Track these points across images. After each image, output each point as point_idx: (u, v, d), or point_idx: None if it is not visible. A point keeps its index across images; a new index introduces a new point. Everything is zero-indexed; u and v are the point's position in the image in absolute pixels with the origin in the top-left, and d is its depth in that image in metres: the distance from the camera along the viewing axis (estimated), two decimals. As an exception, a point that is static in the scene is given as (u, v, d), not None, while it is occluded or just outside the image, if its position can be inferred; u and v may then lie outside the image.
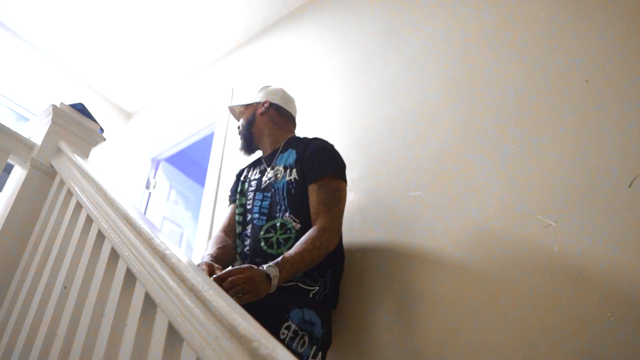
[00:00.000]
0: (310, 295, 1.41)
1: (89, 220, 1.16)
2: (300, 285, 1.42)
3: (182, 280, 0.76)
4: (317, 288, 1.44)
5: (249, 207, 1.62)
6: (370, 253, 1.76)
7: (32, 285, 1.21)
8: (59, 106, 1.61)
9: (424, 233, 1.67)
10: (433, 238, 1.63)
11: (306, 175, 1.53)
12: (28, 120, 3.48)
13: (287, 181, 1.55)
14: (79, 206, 1.24)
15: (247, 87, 3.04)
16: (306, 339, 1.31)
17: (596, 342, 1.22)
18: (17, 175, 1.52)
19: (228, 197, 1.84)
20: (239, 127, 1.81)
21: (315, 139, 1.65)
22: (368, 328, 1.60)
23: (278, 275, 1.21)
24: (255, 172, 1.72)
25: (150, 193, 3.51)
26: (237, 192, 1.74)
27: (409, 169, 1.85)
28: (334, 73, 2.51)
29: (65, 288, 1.07)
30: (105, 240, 1.02)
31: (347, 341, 1.63)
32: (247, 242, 1.56)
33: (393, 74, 2.18)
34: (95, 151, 3.64)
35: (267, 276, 1.19)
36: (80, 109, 1.69)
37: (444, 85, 1.94)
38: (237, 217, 1.66)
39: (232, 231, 1.66)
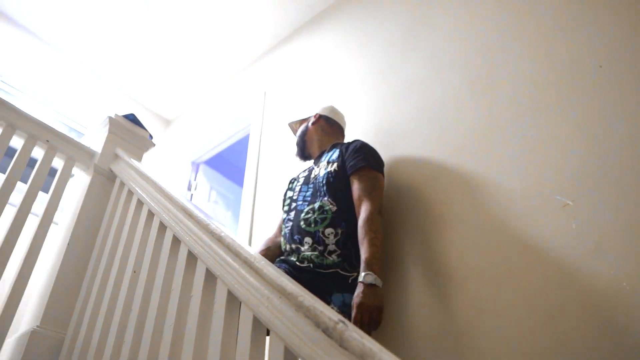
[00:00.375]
0: (350, 281, 1.55)
1: (151, 215, 1.34)
2: (340, 272, 1.56)
3: (237, 255, 0.91)
4: (356, 274, 1.57)
5: (294, 197, 1.83)
6: (399, 238, 1.88)
7: (105, 273, 1.40)
8: (114, 117, 1.81)
9: (448, 219, 1.77)
10: (459, 222, 1.74)
11: (347, 168, 1.72)
12: (77, 131, 3.76)
13: (327, 172, 1.74)
14: (140, 203, 1.43)
15: (279, 89, 3.18)
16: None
17: (613, 311, 1.31)
18: (82, 180, 1.73)
19: (282, 207, 2.02)
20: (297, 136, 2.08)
21: (357, 140, 1.86)
22: (402, 308, 1.73)
23: (374, 274, 1.40)
24: (305, 171, 1.94)
25: (192, 194, 3.73)
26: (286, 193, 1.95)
27: (431, 165, 1.93)
28: (359, 73, 2.61)
29: (135, 272, 1.25)
30: (167, 230, 1.19)
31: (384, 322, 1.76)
32: (289, 225, 1.74)
33: (414, 72, 2.26)
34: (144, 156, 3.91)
35: (370, 285, 1.37)
36: (132, 119, 1.88)
37: (464, 80, 2.02)
38: (284, 207, 1.86)
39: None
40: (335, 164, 1.76)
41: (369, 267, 1.43)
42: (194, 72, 3.88)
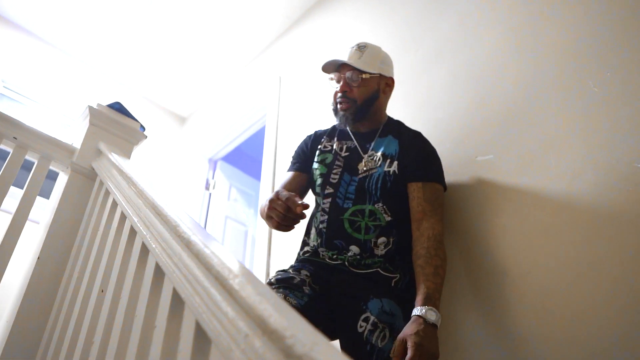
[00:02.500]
0: (392, 284, 1.26)
1: (123, 217, 1.06)
2: (381, 272, 1.27)
3: (207, 268, 0.62)
4: (399, 275, 1.28)
5: (333, 181, 1.43)
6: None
7: (75, 291, 1.15)
8: (96, 107, 1.55)
9: (498, 199, 1.45)
10: (509, 204, 1.42)
11: (410, 172, 1.38)
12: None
13: (385, 172, 1.38)
14: (115, 204, 1.16)
15: (294, 73, 2.92)
16: (387, 331, 1.14)
17: None
18: (61, 180, 1.48)
19: (291, 163, 1.61)
20: (346, 94, 1.45)
21: (421, 135, 1.50)
22: (450, 312, 1.42)
23: (439, 315, 1.12)
24: (341, 146, 1.51)
25: (210, 194, 3.49)
26: (313, 161, 1.54)
27: (475, 132, 1.63)
28: (381, 45, 2.31)
29: (103, 292, 0.98)
30: (137, 236, 0.91)
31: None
32: (325, 217, 1.39)
33: (445, 35, 1.96)
34: (150, 155, 3.71)
35: (432, 326, 1.09)
36: (117, 108, 1.62)
37: (505, 37, 1.71)
38: (317, 187, 1.47)
39: None
40: (395, 164, 1.39)
41: (432, 301, 1.13)
42: (206, 65, 3.67)
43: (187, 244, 0.70)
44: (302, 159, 1.58)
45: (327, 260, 1.31)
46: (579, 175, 1.30)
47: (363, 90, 1.45)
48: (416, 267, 1.23)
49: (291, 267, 1.35)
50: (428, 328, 1.06)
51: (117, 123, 1.57)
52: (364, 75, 1.44)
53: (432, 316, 1.08)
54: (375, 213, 1.34)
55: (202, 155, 3.66)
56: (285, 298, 1.17)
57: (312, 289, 1.25)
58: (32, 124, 1.48)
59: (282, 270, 1.33)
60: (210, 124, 3.72)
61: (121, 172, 1.18)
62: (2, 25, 3.28)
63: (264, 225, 2.47)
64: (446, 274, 1.27)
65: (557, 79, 1.48)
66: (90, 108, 1.53)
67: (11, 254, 1.27)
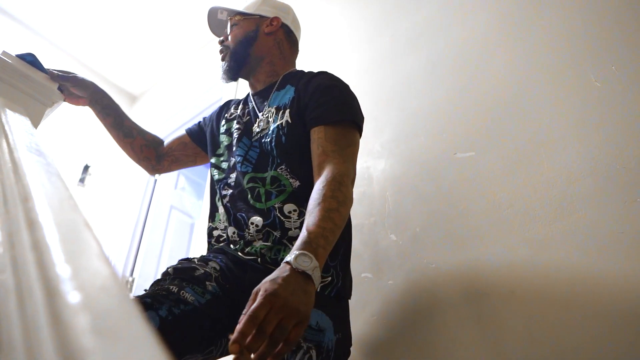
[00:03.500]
0: (319, 289, 0.95)
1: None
2: None
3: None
4: (330, 279, 0.99)
5: (234, 150, 1.18)
6: (412, 234, 1.34)
7: None
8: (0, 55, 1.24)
9: (481, 204, 1.24)
10: (492, 210, 1.21)
11: (308, 117, 1.08)
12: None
13: (278, 125, 1.11)
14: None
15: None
16: (313, 352, 0.86)
17: None
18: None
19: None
20: (224, 42, 1.31)
21: (323, 73, 1.19)
22: (417, 331, 1.19)
23: (317, 264, 0.76)
24: (244, 110, 1.27)
25: (155, 180, 3.16)
26: (214, 131, 1.33)
27: (455, 125, 1.42)
28: (352, 28, 2.09)
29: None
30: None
31: (392, 349, 1.22)
32: (227, 193, 1.14)
33: (427, 17, 1.75)
34: (94, 134, 3.35)
35: (301, 274, 0.74)
36: (30, 60, 1.31)
37: (494, 19, 1.51)
38: (222, 163, 1.23)
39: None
40: (287, 113, 1.12)
41: (311, 245, 0.79)
42: (163, 42, 3.38)
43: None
44: (199, 125, 1.43)
45: (240, 253, 1.03)
46: (575, 180, 1.10)
47: (237, 33, 1.29)
48: (306, 213, 0.89)
49: (200, 256, 1.07)
50: (294, 276, 0.73)
51: (26, 77, 1.26)
52: (236, 18, 1.30)
53: (305, 263, 0.75)
54: (280, 179, 1.06)
55: (151, 138, 3.34)
56: (179, 292, 0.90)
57: (219, 286, 0.97)
58: None
59: (185, 259, 1.05)
60: (163, 104, 3.41)
61: (6, 136, 0.89)
62: None
63: (204, 215, 2.19)
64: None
65: (553, 69, 1.28)
66: (-8, 56, 1.22)
67: None
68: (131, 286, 2.76)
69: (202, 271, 0.99)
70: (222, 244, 1.12)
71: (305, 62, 2.00)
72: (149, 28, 3.26)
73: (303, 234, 0.81)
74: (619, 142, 1.07)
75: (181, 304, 0.88)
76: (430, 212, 1.33)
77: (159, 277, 1.03)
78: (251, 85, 1.32)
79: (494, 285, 1.12)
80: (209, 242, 1.18)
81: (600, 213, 1.03)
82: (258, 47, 1.28)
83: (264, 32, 1.29)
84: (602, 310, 0.94)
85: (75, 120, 3.21)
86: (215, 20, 1.39)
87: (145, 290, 0.95)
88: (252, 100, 1.28)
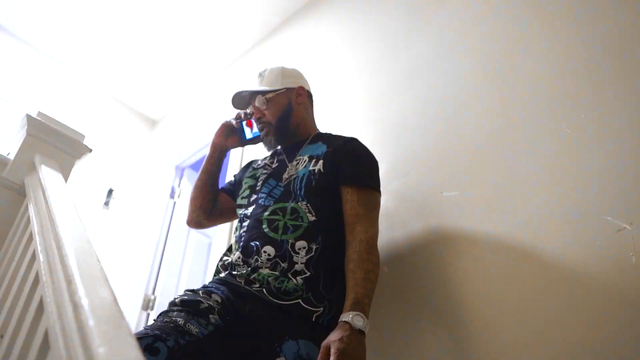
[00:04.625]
0: (314, 319, 1.12)
1: (35, 255, 0.93)
2: (303, 304, 1.13)
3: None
4: (322, 309, 1.15)
5: (257, 187, 1.39)
6: (401, 266, 1.47)
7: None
8: (35, 116, 1.42)
9: (461, 240, 1.37)
10: (475, 246, 1.33)
11: (341, 176, 1.30)
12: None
13: (310, 171, 1.32)
14: (32, 236, 1.03)
15: (267, 84, 2.82)
16: None
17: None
18: (-12, 196, 1.34)
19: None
20: (261, 119, 1.47)
21: (356, 140, 1.43)
22: (408, 356, 1.32)
23: (368, 321, 1.04)
24: (272, 160, 1.49)
25: (175, 203, 3.35)
26: (241, 181, 1.52)
27: (443, 165, 1.55)
28: (356, 62, 2.23)
29: (2, 337, 0.86)
30: (38, 286, 0.78)
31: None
32: (246, 223, 1.31)
33: (418, 57, 1.89)
34: (116, 159, 3.56)
35: (359, 332, 1.01)
36: (257, 135, 1.55)
37: (477, 64, 1.64)
38: (243, 200, 1.42)
39: None
40: (320, 162, 1.33)
41: (360, 307, 1.05)
42: (181, 68, 3.55)
43: (75, 306, 0.58)
44: (230, 183, 1.62)
45: (244, 284, 1.18)
46: (545, 223, 1.22)
47: (274, 110, 1.47)
48: (347, 272, 1.15)
49: (204, 287, 1.22)
50: (354, 334, 0.99)
51: (57, 134, 1.44)
52: (268, 96, 1.47)
53: (360, 322, 1.01)
54: (298, 211, 1.25)
55: (170, 162, 3.52)
56: (185, 325, 1.04)
57: (221, 319, 1.10)
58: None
59: (191, 291, 1.19)
60: (181, 129, 3.59)
61: (44, 193, 1.05)
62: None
63: (227, 240, 2.35)
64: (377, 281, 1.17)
65: (530, 116, 1.40)
66: (29, 117, 1.39)
67: None
68: (153, 304, 2.94)
69: (206, 305, 1.13)
70: (225, 273, 1.26)
71: (323, 99, 2.15)
72: (168, 53, 3.42)
73: (353, 295, 1.08)
74: (587, 184, 1.19)
75: (186, 335, 1.02)
76: (419, 250, 1.46)
77: (180, 293, 1.21)
78: (284, 144, 1.51)
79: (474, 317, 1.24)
80: (217, 265, 1.34)
81: (566, 256, 1.15)
82: (294, 117, 1.49)
83: (297, 103, 1.50)
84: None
85: (99, 148, 3.42)
86: (238, 96, 1.54)
87: (155, 320, 1.10)
88: (283, 152, 1.48)
